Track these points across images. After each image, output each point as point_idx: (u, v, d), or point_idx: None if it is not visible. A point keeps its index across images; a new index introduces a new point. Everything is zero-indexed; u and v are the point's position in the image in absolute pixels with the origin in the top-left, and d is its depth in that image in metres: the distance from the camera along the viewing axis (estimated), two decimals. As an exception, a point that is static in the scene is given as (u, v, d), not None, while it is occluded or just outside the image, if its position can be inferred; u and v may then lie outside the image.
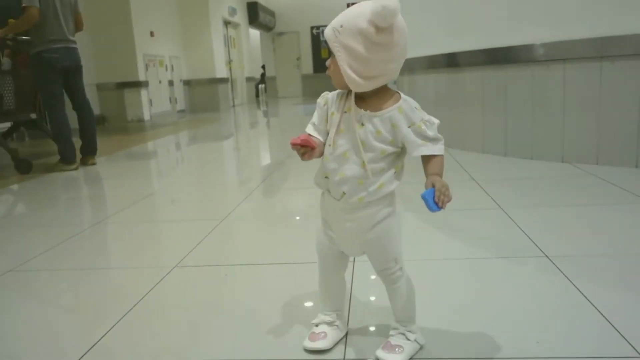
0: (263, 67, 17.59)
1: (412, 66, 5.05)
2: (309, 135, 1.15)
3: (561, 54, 3.25)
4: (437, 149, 1.09)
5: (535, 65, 3.41)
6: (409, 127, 1.07)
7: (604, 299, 1.44)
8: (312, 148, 1.11)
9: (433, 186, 1.05)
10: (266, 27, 17.83)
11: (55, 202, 3.44)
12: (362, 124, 1.09)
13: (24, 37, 4.34)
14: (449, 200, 1.05)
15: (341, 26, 1.04)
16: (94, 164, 4.64)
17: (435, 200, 1.04)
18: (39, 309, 1.70)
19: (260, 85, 17.11)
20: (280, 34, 18.78)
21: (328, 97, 1.16)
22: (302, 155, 1.12)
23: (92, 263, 2.12)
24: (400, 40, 1.04)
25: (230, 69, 14.01)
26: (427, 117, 1.09)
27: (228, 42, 14.00)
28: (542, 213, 2.36)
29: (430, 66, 4.53)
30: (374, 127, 1.08)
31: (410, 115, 1.08)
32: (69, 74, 4.44)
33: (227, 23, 13.86)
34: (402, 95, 1.11)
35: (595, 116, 3.16)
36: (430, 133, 1.08)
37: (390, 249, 1.16)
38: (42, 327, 1.53)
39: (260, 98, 16.96)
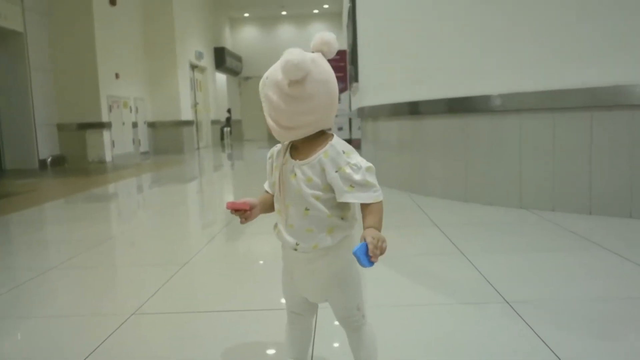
0: (229, 110, 17.69)
1: (375, 113, 5.17)
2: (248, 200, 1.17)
3: (516, 104, 3.40)
4: (365, 196, 1.04)
5: (493, 114, 3.55)
6: (335, 171, 1.05)
7: (563, 344, 1.46)
8: (244, 210, 1.14)
9: (365, 240, 0.99)
10: (233, 72, 18.06)
11: (8, 245, 3.30)
12: (295, 174, 1.08)
13: None
14: (382, 253, 0.99)
15: (266, 78, 1.08)
16: None
17: (369, 254, 0.98)
18: (-16, 361, 1.60)
19: (225, 129, 17.16)
20: (247, 78, 19.04)
21: (275, 150, 1.18)
22: (241, 219, 1.15)
23: (44, 311, 2.03)
24: (317, 91, 1.04)
25: (195, 112, 14.03)
26: (355, 160, 1.05)
27: (194, 86, 14.07)
28: (502, 258, 2.41)
29: (393, 113, 4.65)
30: (304, 174, 1.07)
31: (336, 160, 1.05)
32: None
33: (193, 67, 13.97)
34: (333, 138, 1.09)
35: (550, 164, 3.29)
36: (357, 177, 1.04)
37: (351, 297, 1.16)
38: (-13, 381, 1.44)
39: (226, 141, 16.96)
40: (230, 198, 5.34)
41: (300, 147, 1.11)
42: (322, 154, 1.07)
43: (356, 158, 1.07)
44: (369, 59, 5.77)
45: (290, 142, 1.12)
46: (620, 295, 1.89)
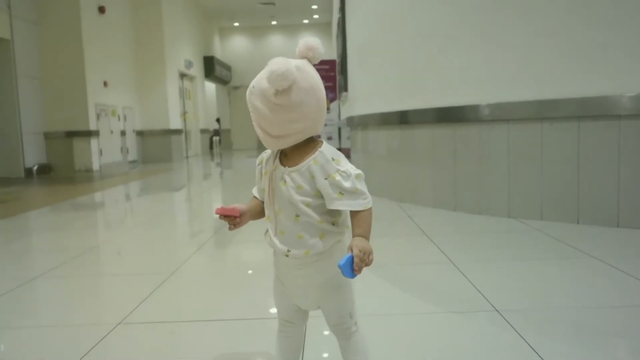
0: (218, 120, 17.66)
1: (365, 122, 5.18)
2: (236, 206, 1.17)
3: (505, 114, 3.42)
4: (354, 204, 1.04)
5: (482, 124, 3.57)
6: (325, 178, 1.04)
7: (553, 352, 1.46)
8: (234, 217, 1.13)
9: (351, 252, 0.99)
10: (222, 81, 18.05)
11: (-9, 254, 3.25)
12: (285, 181, 1.08)
13: None
14: (367, 265, 0.99)
15: (253, 87, 1.07)
16: None
17: (354, 267, 0.98)
18: (-36, 372, 1.56)
19: (214, 138, 17.12)
20: (236, 87, 19.04)
21: (264, 156, 1.17)
22: (229, 225, 1.14)
23: (28, 321, 1.98)
24: (304, 98, 1.03)
25: (184, 121, 13.98)
26: (344, 167, 1.05)
27: (183, 94, 14.03)
28: (491, 267, 2.41)
29: (383, 123, 4.66)
30: (294, 182, 1.07)
31: (325, 167, 1.05)
32: None
33: (183, 75, 13.94)
34: (323, 145, 1.09)
35: (538, 174, 3.31)
36: (346, 184, 1.03)
37: (344, 303, 1.15)
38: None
39: (215, 150, 16.91)
40: (219, 206, 5.29)
41: (290, 154, 1.10)
42: (311, 161, 1.06)
43: (345, 165, 1.06)
44: (359, 69, 5.79)
45: (279, 149, 1.12)
46: (609, 303, 1.89)
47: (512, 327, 1.65)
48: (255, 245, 3.02)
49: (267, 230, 1.15)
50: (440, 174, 3.93)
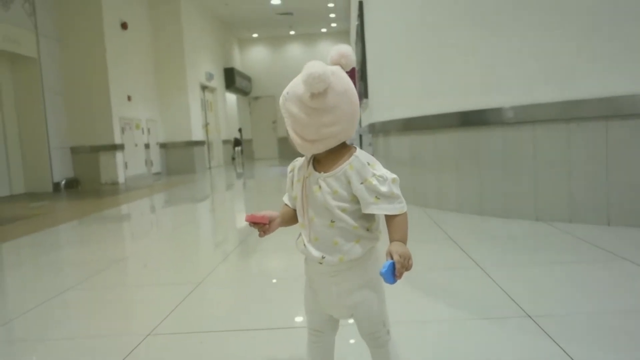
0: (240, 130, 17.80)
1: (386, 128, 5.17)
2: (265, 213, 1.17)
3: (530, 116, 3.37)
4: (391, 208, 1.05)
5: (506, 127, 3.52)
6: (361, 183, 1.05)
7: (590, 359, 1.42)
8: (263, 224, 1.14)
9: (391, 258, 1.00)
10: (243, 92, 18.21)
11: (23, 267, 3.31)
12: (320, 187, 1.08)
13: None
14: (407, 270, 1.01)
15: (287, 93, 1.08)
16: None
17: (396, 273, 0.99)
18: (0, 384, 1.59)
19: (236, 148, 17.25)
20: (257, 98, 19.18)
21: (296, 164, 1.18)
22: (259, 232, 1.15)
23: (60, 333, 2.01)
24: (339, 102, 1.04)
25: (207, 132, 14.13)
26: (380, 171, 1.07)
27: (205, 106, 14.19)
28: (521, 272, 2.36)
29: (405, 128, 4.64)
30: (330, 187, 1.07)
31: (361, 172, 1.06)
32: None
33: (204, 87, 14.11)
34: (357, 150, 1.10)
35: (566, 176, 3.24)
36: (383, 189, 1.05)
37: (377, 311, 1.14)
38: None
39: (237, 160, 17.04)
40: (242, 215, 5.32)
41: (323, 160, 1.11)
42: (347, 166, 1.07)
43: (381, 169, 1.08)
44: (379, 75, 5.78)
45: (312, 156, 1.12)
46: (646, 307, 1.83)
47: (546, 333, 1.62)
48: (281, 254, 3.02)
49: (299, 237, 1.15)
50: (464, 178, 3.89)
